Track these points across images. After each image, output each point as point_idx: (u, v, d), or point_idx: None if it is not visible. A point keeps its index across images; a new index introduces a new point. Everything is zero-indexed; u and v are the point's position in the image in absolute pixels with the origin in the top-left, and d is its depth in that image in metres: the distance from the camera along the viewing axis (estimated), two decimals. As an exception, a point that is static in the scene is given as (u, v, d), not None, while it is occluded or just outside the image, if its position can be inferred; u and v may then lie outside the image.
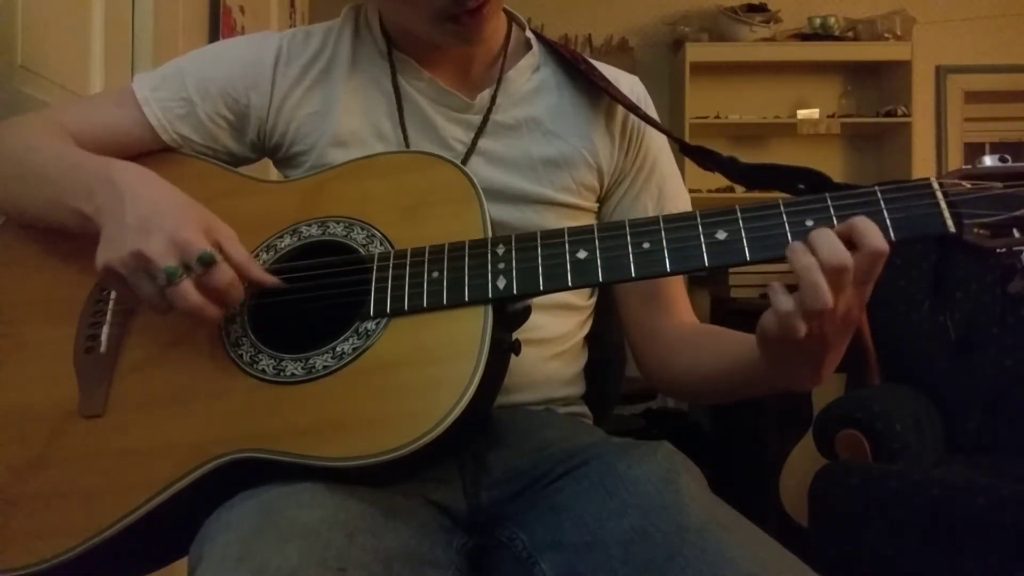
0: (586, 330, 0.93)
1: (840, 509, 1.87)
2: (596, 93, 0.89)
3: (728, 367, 0.78)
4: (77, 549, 0.66)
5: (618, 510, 0.65)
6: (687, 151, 0.88)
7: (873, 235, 0.60)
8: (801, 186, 0.74)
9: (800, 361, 0.67)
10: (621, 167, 0.90)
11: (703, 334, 0.86)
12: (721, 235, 0.66)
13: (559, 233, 0.70)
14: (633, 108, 0.88)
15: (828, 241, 0.61)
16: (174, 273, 0.67)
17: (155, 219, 0.69)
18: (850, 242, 0.61)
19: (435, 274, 0.70)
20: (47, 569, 0.67)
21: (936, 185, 0.64)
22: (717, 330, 0.84)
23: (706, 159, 0.85)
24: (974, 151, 3.66)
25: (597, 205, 0.91)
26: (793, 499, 2.34)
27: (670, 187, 0.92)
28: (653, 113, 0.91)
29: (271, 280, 0.73)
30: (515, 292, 0.69)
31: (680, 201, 0.93)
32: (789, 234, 0.64)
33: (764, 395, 0.77)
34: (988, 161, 0.65)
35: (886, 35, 3.39)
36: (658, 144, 0.92)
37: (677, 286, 0.90)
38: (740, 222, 0.66)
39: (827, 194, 0.65)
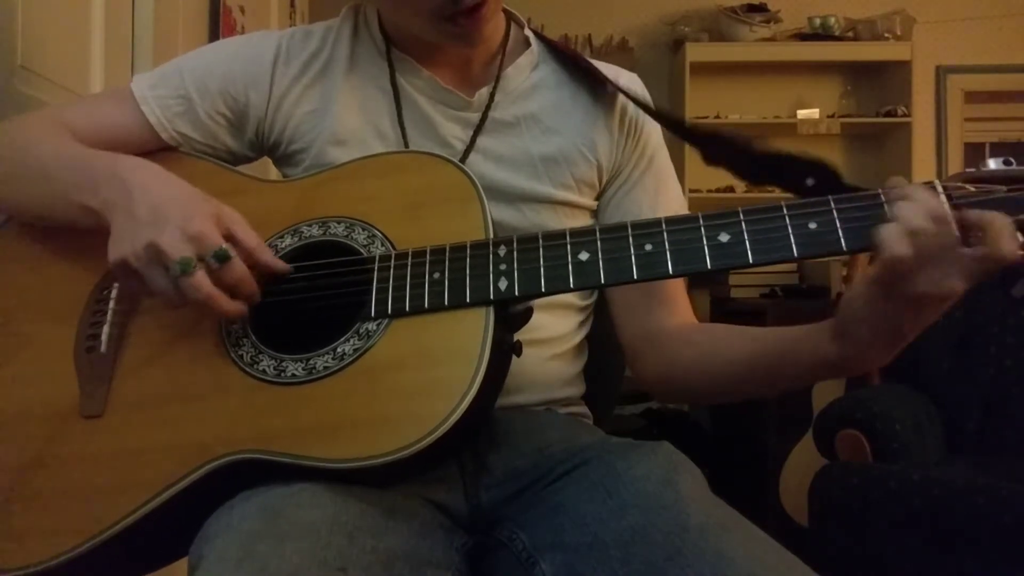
0: (586, 330, 0.93)
1: (840, 509, 1.87)
2: (595, 89, 0.89)
3: (752, 358, 0.77)
4: (77, 549, 0.66)
5: (618, 510, 0.65)
6: (689, 138, 0.85)
7: (1006, 240, 0.58)
8: (809, 182, 0.73)
9: (888, 326, 0.65)
10: (619, 161, 0.90)
11: (718, 329, 0.84)
12: (724, 237, 0.66)
13: (561, 234, 0.70)
14: (632, 99, 0.88)
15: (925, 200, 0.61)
16: (188, 264, 0.67)
17: (166, 211, 0.69)
18: (977, 232, 0.60)
19: (436, 275, 0.70)
20: (47, 569, 0.67)
21: (940, 188, 0.63)
22: (733, 326, 0.82)
23: (710, 144, 0.81)
24: (974, 151, 3.67)
25: (596, 203, 0.91)
26: (793, 499, 2.34)
27: (666, 186, 0.92)
28: None
29: (281, 266, 0.74)
30: (516, 293, 0.68)
31: (675, 202, 0.92)
32: (792, 236, 0.64)
33: (782, 390, 0.76)
34: (992, 164, 0.64)
35: (886, 35, 3.39)
36: (656, 142, 0.92)
37: (677, 285, 0.89)
38: (743, 224, 0.66)
39: (830, 197, 0.65)
